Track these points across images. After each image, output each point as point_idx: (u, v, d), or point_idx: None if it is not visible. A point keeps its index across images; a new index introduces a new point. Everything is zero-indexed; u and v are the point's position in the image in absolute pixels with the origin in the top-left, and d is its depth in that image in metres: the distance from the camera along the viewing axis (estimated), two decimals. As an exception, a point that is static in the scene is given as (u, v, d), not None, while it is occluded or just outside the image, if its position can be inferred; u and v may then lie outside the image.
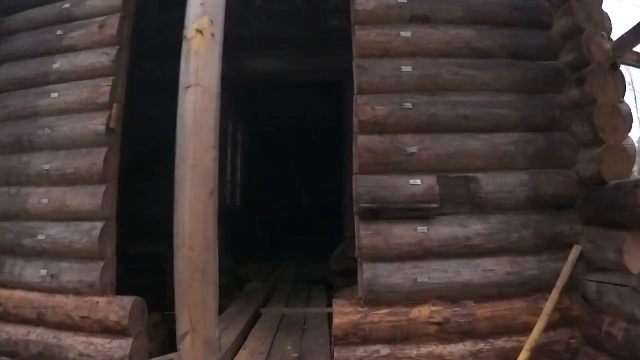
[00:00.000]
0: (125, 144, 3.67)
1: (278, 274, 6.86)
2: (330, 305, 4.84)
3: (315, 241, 9.81)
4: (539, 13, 3.48)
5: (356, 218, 3.10)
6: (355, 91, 3.21)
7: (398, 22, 3.32)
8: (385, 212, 3.00)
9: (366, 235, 2.97)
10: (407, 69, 3.21)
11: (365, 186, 3.03)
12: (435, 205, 3.04)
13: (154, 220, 4.53)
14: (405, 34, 3.29)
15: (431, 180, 3.07)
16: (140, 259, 5.45)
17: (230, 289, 5.59)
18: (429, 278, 2.96)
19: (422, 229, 3.00)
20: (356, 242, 3.05)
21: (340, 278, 5.35)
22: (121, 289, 3.43)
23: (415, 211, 3.02)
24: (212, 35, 2.14)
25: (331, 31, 5.78)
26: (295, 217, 12.37)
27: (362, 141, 3.09)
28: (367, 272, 2.95)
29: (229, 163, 7.96)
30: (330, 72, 5.87)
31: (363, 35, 3.26)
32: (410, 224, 3.01)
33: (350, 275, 5.09)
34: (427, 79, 3.22)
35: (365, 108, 3.11)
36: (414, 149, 3.08)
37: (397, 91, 3.18)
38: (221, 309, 4.98)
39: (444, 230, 3.03)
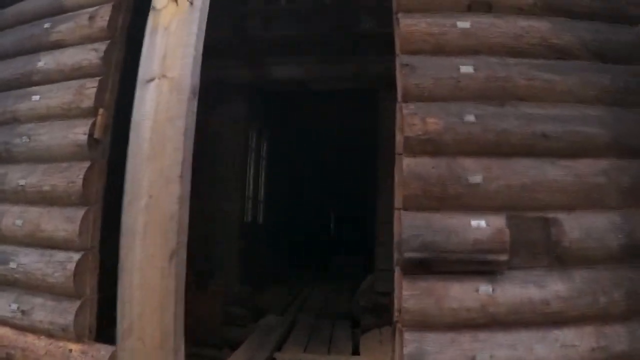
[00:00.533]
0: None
1: (298, 303, 5.93)
2: (356, 349, 3.95)
3: (342, 261, 8.93)
4: (623, 3, 2.57)
5: (396, 269, 2.16)
6: (399, 97, 2.28)
7: (453, 10, 2.40)
8: (439, 264, 2.06)
9: (411, 296, 2.03)
10: (467, 69, 2.26)
11: (411, 227, 2.09)
12: (504, 257, 2.07)
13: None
14: (463, 24, 2.35)
15: (499, 222, 2.11)
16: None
17: (245, 320, 4.78)
18: (491, 356, 2.01)
19: (485, 288, 2.03)
20: (395, 301, 2.09)
21: (368, 315, 4.41)
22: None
23: (478, 264, 2.06)
24: (191, 3, 1.30)
25: (363, 33, 4.90)
26: (321, 235, 11.29)
27: (409, 165, 2.15)
28: (410, 345, 2.00)
29: (250, 177, 7.16)
30: (362, 79, 4.99)
31: (409, 25, 2.32)
32: (470, 282, 2.05)
33: (379, 312, 4.21)
34: (494, 83, 2.27)
35: (413, 120, 2.17)
36: (478, 178, 2.12)
37: (455, 99, 2.24)
38: (234, 343, 4.26)
39: (514, 291, 2.08)
